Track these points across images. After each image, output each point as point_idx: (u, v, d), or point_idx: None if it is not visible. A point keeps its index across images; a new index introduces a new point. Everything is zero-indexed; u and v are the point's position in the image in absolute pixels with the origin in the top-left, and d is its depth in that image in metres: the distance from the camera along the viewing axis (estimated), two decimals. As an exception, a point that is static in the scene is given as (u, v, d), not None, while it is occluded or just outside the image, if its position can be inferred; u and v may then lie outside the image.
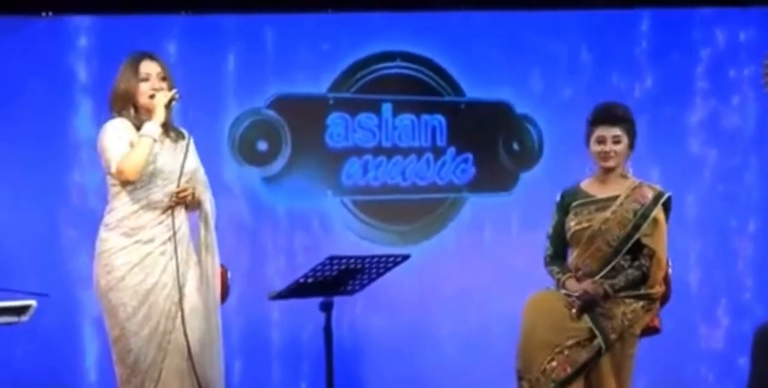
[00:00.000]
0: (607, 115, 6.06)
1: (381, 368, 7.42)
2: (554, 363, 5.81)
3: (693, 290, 7.44)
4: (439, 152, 7.57)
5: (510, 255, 7.49)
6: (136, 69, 5.74)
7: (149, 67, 5.74)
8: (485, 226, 7.59)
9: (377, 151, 7.56)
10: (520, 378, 5.89)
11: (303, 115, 7.47)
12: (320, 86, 7.48)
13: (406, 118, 7.54)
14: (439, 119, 7.57)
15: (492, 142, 7.59)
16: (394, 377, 7.43)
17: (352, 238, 7.42)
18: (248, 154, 7.33)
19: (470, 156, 7.59)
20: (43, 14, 7.41)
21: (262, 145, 7.42)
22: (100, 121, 6.21)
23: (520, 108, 7.57)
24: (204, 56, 7.22)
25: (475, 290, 7.48)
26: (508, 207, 7.58)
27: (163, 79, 5.75)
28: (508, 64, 7.58)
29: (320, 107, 7.48)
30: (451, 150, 7.57)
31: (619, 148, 5.99)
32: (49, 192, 7.43)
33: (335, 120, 7.52)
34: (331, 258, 5.79)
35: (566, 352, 5.80)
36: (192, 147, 5.92)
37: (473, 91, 7.58)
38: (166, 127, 5.75)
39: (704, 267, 7.55)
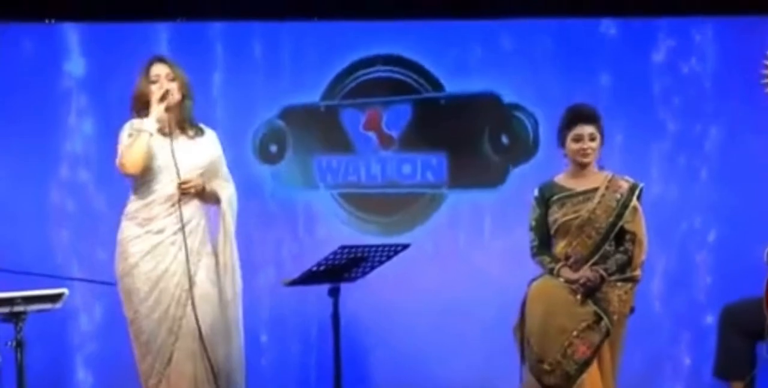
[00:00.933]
0: (582, 114, 6.19)
1: (375, 344, 7.44)
2: (573, 347, 5.92)
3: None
4: (414, 149, 7.58)
5: (485, 248, 7.54)
6: (147, 72, 5.85)
7: (158, 69, 5.83)
8: (465, 221, 7.57)
9: (361, 149, 7.59)
10: (539, 361, 5.97)
11: (301, 123, 7.55)
12: (314, 95, 7.55)
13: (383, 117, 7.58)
14: (417, 116, 7.56)
15: (476, 135, 7.55)
16: (387, 349, 7.44)
17: (338, 225, 7.50)
18: (264, 156, 7.52)
19: (450, 151, 7.57)
20: (47, 21, 7.44)
21: (273, 148, 7.53)
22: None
23: (511, 98, 7.55)
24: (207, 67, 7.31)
25: (447, 276, 7.48)
26: (496, 202, 7.54)
27: (172, 80, 5.85)
28: (484, 65, 7.55)
29: (314, 114, 7.55)
30: (426, 146, 7.58)
31: (594, 144, 6.12)
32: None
33: (324, 123, 7.57)
34: (343, 247, 5.87)
35: (582, 335, 5.93)
36: (211, 143, 6.00)
37: (453, 85, 7.54)
38: (183, 124, 5.87)
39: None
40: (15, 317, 5.76)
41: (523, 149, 7.56)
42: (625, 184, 6.14)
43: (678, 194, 7.54)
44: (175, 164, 5.77)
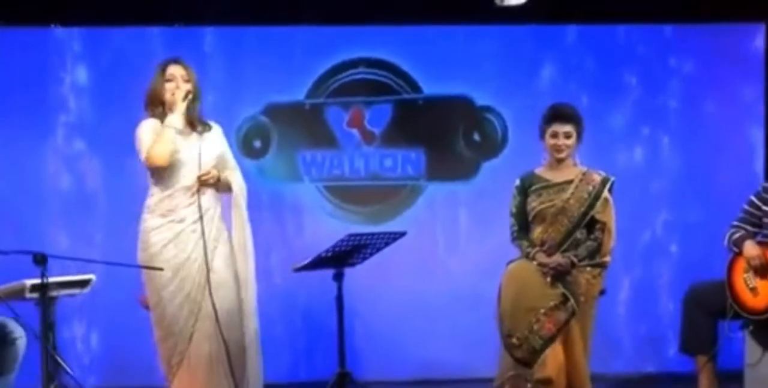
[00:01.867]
0: (560, 114, 6.26)
1: (377, 318, 7.47)
2: (539, 324, 5.99)
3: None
4: (394, 144, 7.61)
5: (461, 235, 7.63)
6: (163, 72, 5.83)
7: (174, 70, 5.82)
8: (441, 209, 7.62)
9: (345, 145, 7.61)
10: (509, 336, 6.05)
11: (286, 119, 7.55)
12: (299, 93, 7.54)
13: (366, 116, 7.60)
14: (397, 115, 7.59)
15: (451, 133, 7.62)
16: (371, 331, 7.44)
17: (323, 216, 7.51)
18: (248, 150, 7.47)
19: (428, 147, 7.61)
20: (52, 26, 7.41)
21: (257, 143, 7.51)
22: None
23: (483, 101, 7.60)
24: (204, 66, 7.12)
25: (426, 262, 7.58)
26: (469, 193, 7.61)
27: (187, 81, 5.81)
28: (462, 66, 7.58)
29: (298, 112, 7.56)
30: (406, 142, 7.61)
31: (569, 142, 6.19)
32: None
33: (309, 120, 7.57)
34: (350, 235, 6.02)
35: (548, 313, 6.00)
36: (218, 136, 5.97)
37: (430, 87, 7.58)
38: (193, 121, 5.83)
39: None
40: (48, 301, 5.69)
41: (493, 146, 7.64)
42: (597, 178, 6.21)
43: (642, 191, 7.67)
44: (192, 159, 5.78)
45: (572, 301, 6.01)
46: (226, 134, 6.50)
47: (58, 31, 7.43)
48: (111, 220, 7.32)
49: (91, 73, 7.46)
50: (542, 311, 6.01)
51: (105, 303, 7.16)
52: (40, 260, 4.71)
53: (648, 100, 7.75)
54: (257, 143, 7.53)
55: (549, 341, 6.00)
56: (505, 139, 7.63)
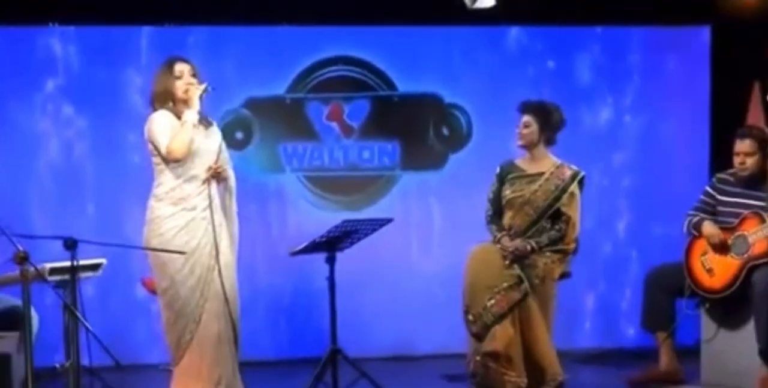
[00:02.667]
0: (520, 106, 6.35)
1: (359, 299, 7.32)
2: (493, 301, 6.06)
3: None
4: (372, 137, 7.65)
5: (439, 219, 7.67)
6: (171, 69, 5.80)
7: (182, 67, 5.80)
8: (415, 197, 7.68)
9: (324, 137, 7.63)
10: (466, 312, 6.15)
11: (267, 112, 7.55)
12: (280, 88, 7.54)
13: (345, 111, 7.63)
14: (374, 110, 7.63)
15: (422, 127, 7.67)
16: (355, 311, 7.11)
17: (304, 205, 7.53)
18: (229, 141, 7.02)
19: (401, 140, 7.66)
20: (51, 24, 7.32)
21: (239, 135, 7.50)
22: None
23: (450, 98, 7.66)
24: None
25: (402, 245, 7.62)
26: (439, 182, 7.68)
27: (193, 75, 5.81)
28: (433, 66, 7.64)
29: (279, 105, 7.57)
30: (385, 135, 7.65)
31: (526, 131, 6.26)
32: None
33: (290, 114, 7.57)
34: (345, 221, 6.06)
35: (502, 293, 6.08)
36: (217, 132, 5.98)
37: (405, 85, 7.63)
38: (200, 115, 5.81)
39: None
40: (63, 284, 5.69)
41: (459, 139, 7.73)
42: (568, 172, 6.28)
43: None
44: (203, 150, 5.78)
45: (526, 283, 6.09)
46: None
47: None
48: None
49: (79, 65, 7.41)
50: (497, 290, 6.09)
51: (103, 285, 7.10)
52: (71, 245, 4.68)
53: (605, 97, 7.86)
54: (239, 135, 7.51)
55: (500, 318, 6.06)
56: (470, 133, 7.72)
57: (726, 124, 7.01)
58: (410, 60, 7.67)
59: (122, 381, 6.23)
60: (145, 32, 7.36)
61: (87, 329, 5.18)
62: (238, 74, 7.49)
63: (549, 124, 6.32)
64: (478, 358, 6.15)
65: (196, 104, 5.77)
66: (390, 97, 7.69)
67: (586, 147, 7.60)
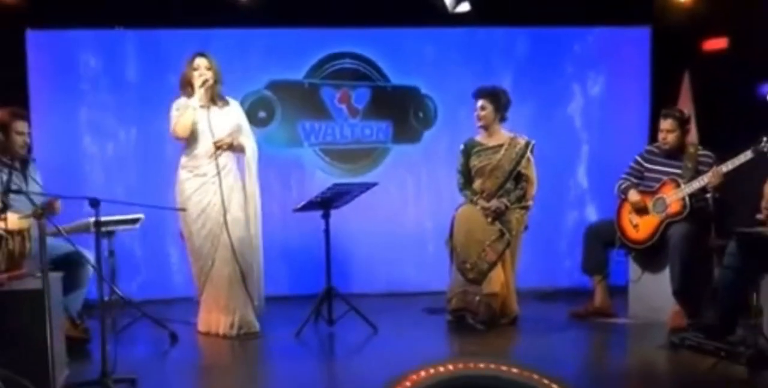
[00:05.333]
0: (476, 91, 6.48)
1: (347, 252, 7.41)
2: (485, 253, 6.22)
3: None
4: (372, 118, 7.72)
5: (416, 182, 7.71)
6: (192, 62, 6.03)
7: (200, 61, 6.04)
8: (401, 164, 7.73)
9: (336, 117, 7.66)
10: (463, 262, 6.27)
11: (287, 94, 7.57)
12: (299, 74, 7.58)
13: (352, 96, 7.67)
14: (373, 97, 7.69)
15: (406, 111, 7.73)
16: (354, 256, 7.50)
17: (319, 173, 7.60)
18: (253, 119, 7.09)
19: (392, 121, 7.73)
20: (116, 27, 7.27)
21: (262, 114, 7.51)
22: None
23: (424, 90, 7.73)
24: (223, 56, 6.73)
25: (395, 202, 7.65)
26: (417, 153, 7.73)
27: (209, 69, 6.00)
28: (418, 62, 7.66)
29: (298, 88, 7.60)
30: (379, 116, 7.72)
31: (483, 113, 6.42)
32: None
33: (308, 96, 7.59)
34: (335, 184, 6.24)
35: (491, 244, 6.24)
36: (235, 110, 6.13)
37: (395, 79, 7.68)
38: (215, 98, 6.01)
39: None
40: (108, 235, 5.97)
41: (430, 120, 7.80)
42: (521, 142, 6.43)
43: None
44: (210, 129, 5.96)
45: (507, 235, 6.25)
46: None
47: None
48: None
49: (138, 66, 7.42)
50: (487, 243, 6.23)
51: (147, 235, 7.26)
52: (95, 204, 4.67)
53: (558, 88, 7.83)
54: (262, 114, 7.52)
55: (493, 265, 6.23)
56: (436, 116, 7.77)
57: (663, 105, 6.91)
58: (401, 58, 7.72)
59: (157, 311, 6.40)
60: (194, 33, 7.28)
61: (93, 267, 5.28)
62: (264, 62, 7.50)
63: (500, 104, 6.45)
64: (478, 298, 6.25)
65: (198, 92, 5.96)
66: (385, 87, 7.76)
67: (557, 124, 7.76)
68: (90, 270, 5.89)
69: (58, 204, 5.56)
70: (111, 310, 5.91)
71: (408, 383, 2.18)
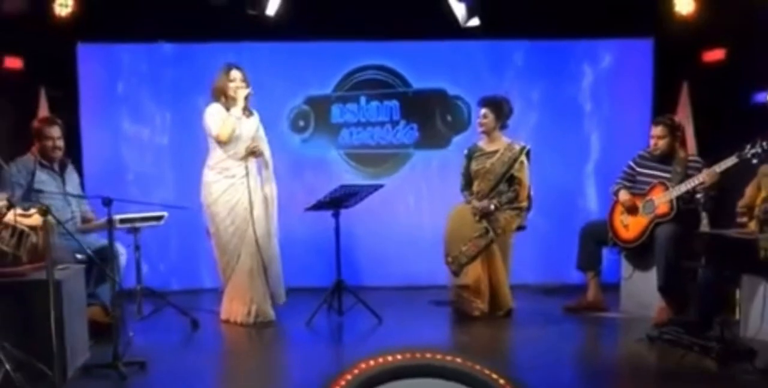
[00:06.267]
0: (480, 100, 6.54)
1: (363, 249, 7.51)
2: (466, 247, 6.30)
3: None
4: (394, 124, 7.68)
5: (436, 186, 7.63)
6: (228, 73, 6.17)
7: (236, 74, 6.19)
8: (422, 170, 7.71)
9: (358, 124, 7.68)
10: (447, 255, 6.41)
11: (319, 106, 7.66)
12: (328, 88, 7.66)
13: (374, 104, 7.65)
14: (395, 103, 7.66)
15: (431, 115, 7.69)
16: (370, 252, 7.54)
17: (344, 174, 7.58)
18: (295, 128, 7.64)
19: (415, 125, 7.68)
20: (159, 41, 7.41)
21: (301, 123, 7.67)
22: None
23: (452, 92, 7.64)
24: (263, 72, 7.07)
25: (412, 204, 7.68)
26: (440, 158, 7.63)
27: (243, 81, 6.15)
28: (438, 71, 7.62)
29: (328, 101, 7.68)
30: (402, 122, 7.67)
31: (485, 121, 6.49)
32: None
33: (335, 108, 7.66)
34: (342, 185, 6.32)
35: (474, 240, 6.33)
36: (257, 120, 6.26)
37: (416, 85, 7.63)
38: (245, 108, 6.16)
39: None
40: (135, 230, 6.18)
41: (461, 125, 7.74)
42: (517, 147, 6.50)
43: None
44: (244, 135, 6.11)
45: (491, 233, 6.32)
46: (280, 118, 6.91)
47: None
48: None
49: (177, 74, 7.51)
50: (470, 238, 6.30)
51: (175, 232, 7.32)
52: (107, 203, 4.82)
53: (571, 98, 7.78)
54: (301, 123, 7.70)
55: (471, 259, 6.32)
56: (469, 120, 7.61)
57: (663, 112, 6.90)
58: (421, 64, 7.69)
59: (184, 301, 6.60)
60: (229, 47, 7.33)
61: (95, 262, 5.32)
62: (299, 79, 7.64)
63: (502, 113, 6.53)
64: (451, 288, 6.40)
65: (241, 102, 6.11)
66: (406, 93, 7.72)
67: (569, 128, 7.75)
68: (123, 262, 6.06)
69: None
70: (137, 299, 6.23)
71: (356, 371, 2.21)
